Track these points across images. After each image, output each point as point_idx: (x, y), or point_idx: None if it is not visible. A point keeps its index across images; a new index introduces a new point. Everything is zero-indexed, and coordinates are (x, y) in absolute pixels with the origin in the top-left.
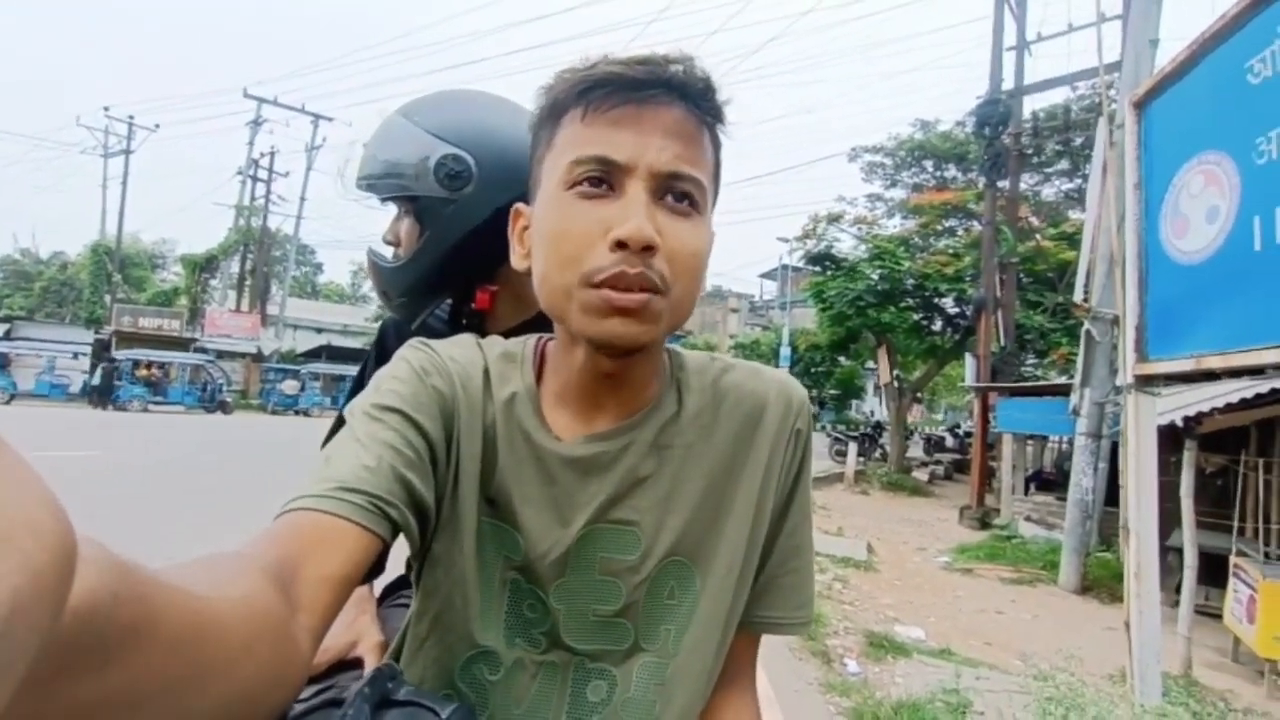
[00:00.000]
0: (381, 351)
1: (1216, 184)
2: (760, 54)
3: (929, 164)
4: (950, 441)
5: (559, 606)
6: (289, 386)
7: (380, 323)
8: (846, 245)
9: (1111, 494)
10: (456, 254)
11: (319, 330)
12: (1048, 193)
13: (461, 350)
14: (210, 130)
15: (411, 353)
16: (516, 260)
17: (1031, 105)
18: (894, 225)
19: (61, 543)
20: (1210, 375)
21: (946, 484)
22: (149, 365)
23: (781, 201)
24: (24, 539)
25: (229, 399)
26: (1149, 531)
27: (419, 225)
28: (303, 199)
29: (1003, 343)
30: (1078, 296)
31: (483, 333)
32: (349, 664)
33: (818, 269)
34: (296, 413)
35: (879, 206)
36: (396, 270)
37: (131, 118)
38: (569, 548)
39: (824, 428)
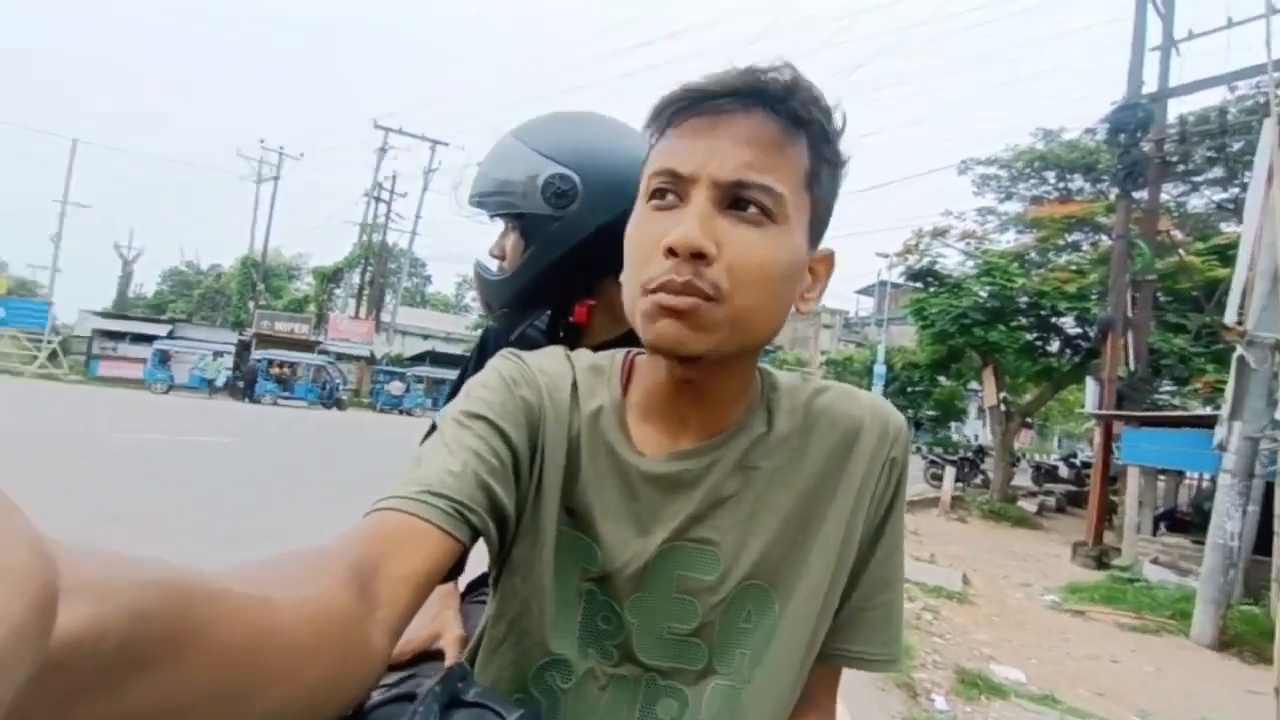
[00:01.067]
0: (481, 358)
1: None
2: (867, 68)
3: (1050, 175)
4: (1064, 471)
5: (633, 620)
6: (395, 387)
7: (481, 331)
8: (952, 261)
9: (1262, 541)
10: (557, 269)
11: (425, 336)
12: (1196, 203)
13: (551, 362)
14: (345, 158)
15: (502, 363)
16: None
17: (1178, 109)
18: (1006, 240)
19: (38, 583)
20: None
21: (1058, 517)
22: (281, 365)
23: (882, 217)
24: (1, 590)
25: (344, 397)
26: None
27: (524, 241)
28: (418, 216)
29: (1132, 367)
30: (1229, 318)
31: (577, 345)
32: (432, 654)
33: (919, 285)
34: (401, 412)
35: (990, 220)
36: (500, 283)
37: (281, 148)
38: (647, 563)
39: (919, 449)
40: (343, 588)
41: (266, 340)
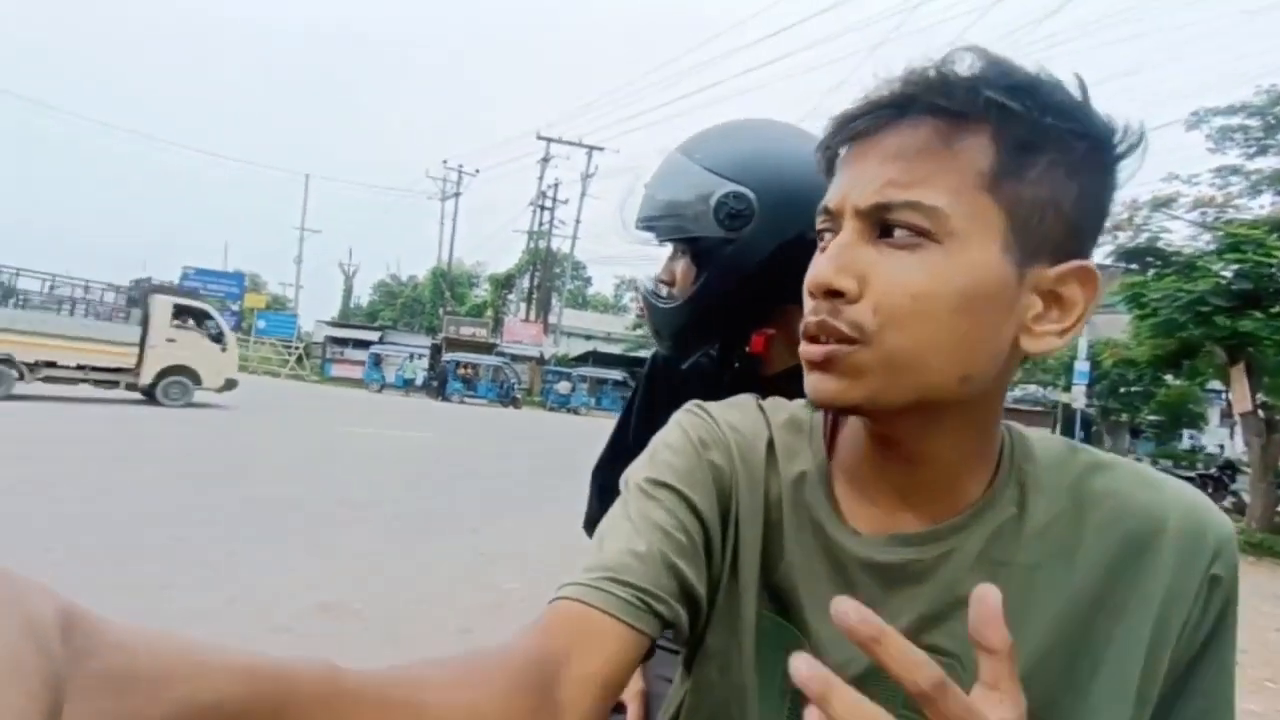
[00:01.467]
0: (649, 388)
1: None
2: (1060, 15)
3: None
4: None
5: None
6: (563, 387)
7: (650, 357)
8: (1180, 236)
9: None
10: (733, 296)
11: (587, 337)
12: None
13: (742, 417)
14: (513, 170)
15: (688, 419)
16: None
17: None
18: (1261, 206)
19: (45, 682)
20: None
21: None
22: (466, 366)
23: None
24: (6, 690)
25: (519, 396)
26: None
27: (696, 266)
28: (578, 222)
29: None
30: None
31: (755, 375)
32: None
33: (1134, 267)
34: (568, 410)
35: (1235, 182)
36: (671, 311)
37: (460, 167)
38: (869, 668)
39: (1138, 459)
40: (516, 695)
41: (453, 344)
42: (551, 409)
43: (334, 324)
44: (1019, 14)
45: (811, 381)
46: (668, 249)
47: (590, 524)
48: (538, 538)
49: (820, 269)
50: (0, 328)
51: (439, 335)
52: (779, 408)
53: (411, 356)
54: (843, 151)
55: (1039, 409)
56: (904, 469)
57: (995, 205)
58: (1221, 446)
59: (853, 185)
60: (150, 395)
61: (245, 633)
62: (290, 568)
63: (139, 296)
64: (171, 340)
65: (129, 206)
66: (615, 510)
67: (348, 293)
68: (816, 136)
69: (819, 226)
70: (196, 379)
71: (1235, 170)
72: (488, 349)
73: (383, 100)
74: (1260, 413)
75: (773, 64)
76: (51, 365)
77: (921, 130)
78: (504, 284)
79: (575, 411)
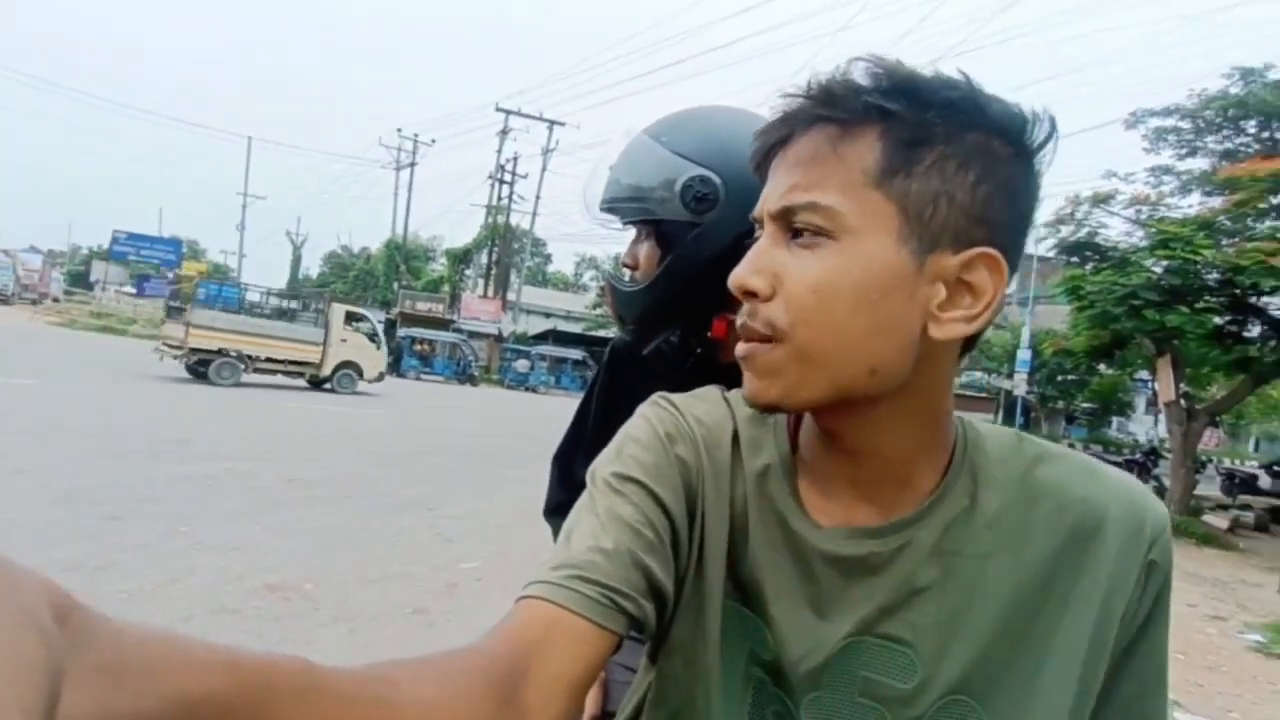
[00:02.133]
0: (610, 373)
1: None
2: (1011, 10)
3: (1250, 125)
4: (1265, 481)
5: None
6: (521, 365)
7: (611, 343)
8: (1116, 231)
9: None
10: (697, 279)
11: (547, 315)
12: None
13: (708, 409)
14: (472, 141)
15: (654, 411)
16: None
17: None
18: (1189, 205)
19: (41, 671)
20: None
21: (1258, 536)
22: (422, 342)
23: None
24: (7, 683)
25: (476, 373)
26: None
27: (660, 249)
28: (538, 197)
29: None
30: None
31: (716, 360)
32: None
33: (1074, 260)
34: (526, 389)
35: (1168, 181)
36: (634, 294)
37: (415, 136)
38: (827, 658)
39: (1073, 446)
40: (484, 696)
41: (409, 319)
42: (510, 387)
43: (281, 295)
44: (974, 6)
45: (745, 380)
46: (631, 231)
47: (550, 511)
48: (496, 518)
49: (737, 271)
50: (232, 329)
51: (393, 310)
52: (743, 399)
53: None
54: (761, 170)
55: (983, 395)
56: (851, 462)
57: (886, 200)
58: (1149, 434)
59: (769, 193)
60: (317, 385)
61: (185, 614)
62: (236, 546)
63: (322, 304)
64: (344, 340)
65: (53, 166)
66: (582, 504)
67: (296, 263)
68: None
69: (750, 235)
70: (360, 372)
71: (1168, 170)
72: (444, 325)
73: (335, 64)
74: (1182, 402)
75: (736, 44)
76: (266, 360)
77: (816, 138)
78: (461, 259)
79: (534, 390)
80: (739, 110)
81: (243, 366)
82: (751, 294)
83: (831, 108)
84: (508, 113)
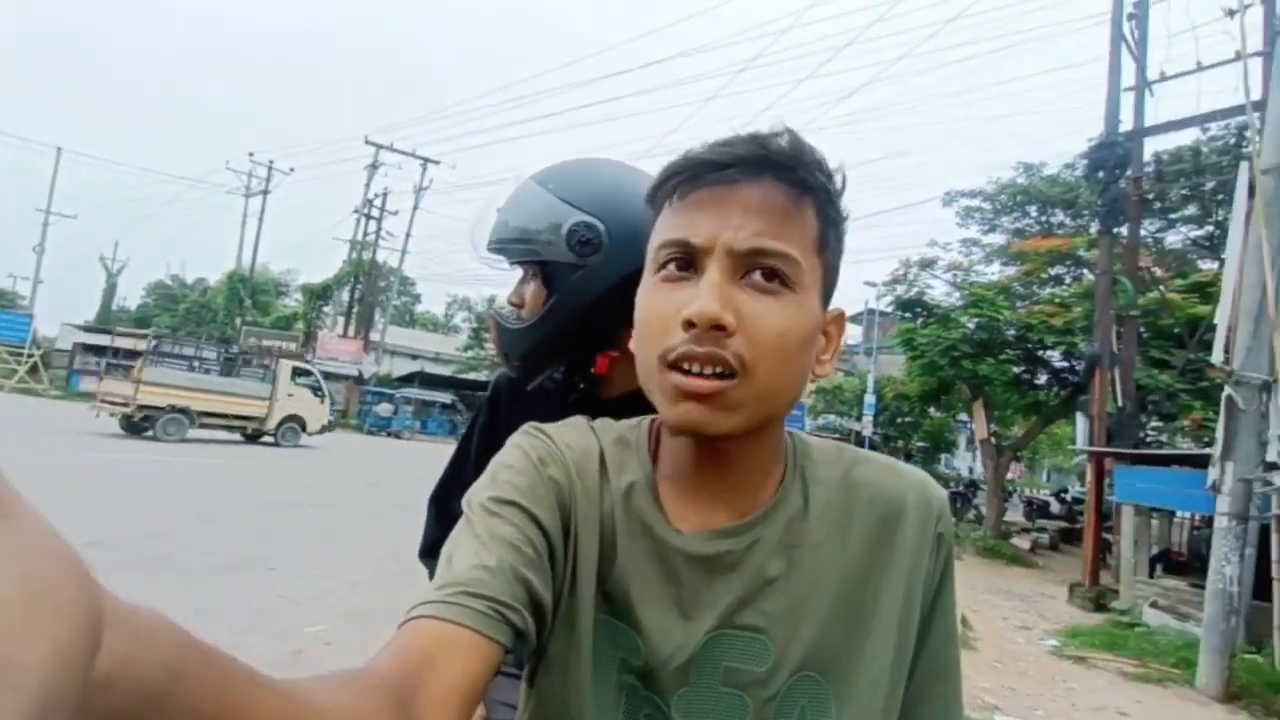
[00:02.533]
0: (493, 410)
1: None
2: (853, 99)
3: (1033, 209)
4: (1056, 507)
5: (680, 719)
6: (384, 409)
7: (493, 381)
8: (939, 292)
9: (1260, 585)
10: (581, 319)
11: (414, 357)
12: (1173, 240)
13: (577, 436)
14: (335, 174)
15: (526, 440)
16: (632, 344)
17: (1154, 147)
18: (992, 272)
19: (86, 615)
20: None
21: (1052, 555)
22: None
23: (870, 245)
24: (52, 618)
25: (332, 419)
26: None
27: (546, 289)
28: (408, 235)
29: (1120, 403)
30: (1216, 358)
31: (596, 397)
32: None
33: (908, 315)
34: (389, 434)
35: (975, 252)
36: (520, 332)
37: (271, 162)
38: (692, 654)
39: None
40: (379, 707)
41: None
42: (370, 432)
43: (88, 328)
44: (824, 90)
45: (686, 411)
46: (516, 273)
47: (425, 552)
48: (349, 575)
49: (706, 304)
50: (183, 386)
51: (233, 347)
52: (607, 427)
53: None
54: (691, 191)
55: (837, 435)
56: (722, 474)
57: (819, 265)
58: (971, 469)
59: (723, 227)
60: (255, 438)
61: None
62: None
63: (268, 360)
64: (290, 395)
65: None
66: (460, 531)
67: (110, 292)
68: (654, 176)
69: (669, 256)
70: (304, 425)
71: (975, 242)
72: None
73: (174, 73)
74: (993, 440)
75: (608, 103)
76: (211, 415)
77: (778, 192)
78: (319, 295)
79: (397, 436)
80: (620, 163)
81: (188, 422)
82: (719, 328)
83: (799, 170)
84: (378, 146)
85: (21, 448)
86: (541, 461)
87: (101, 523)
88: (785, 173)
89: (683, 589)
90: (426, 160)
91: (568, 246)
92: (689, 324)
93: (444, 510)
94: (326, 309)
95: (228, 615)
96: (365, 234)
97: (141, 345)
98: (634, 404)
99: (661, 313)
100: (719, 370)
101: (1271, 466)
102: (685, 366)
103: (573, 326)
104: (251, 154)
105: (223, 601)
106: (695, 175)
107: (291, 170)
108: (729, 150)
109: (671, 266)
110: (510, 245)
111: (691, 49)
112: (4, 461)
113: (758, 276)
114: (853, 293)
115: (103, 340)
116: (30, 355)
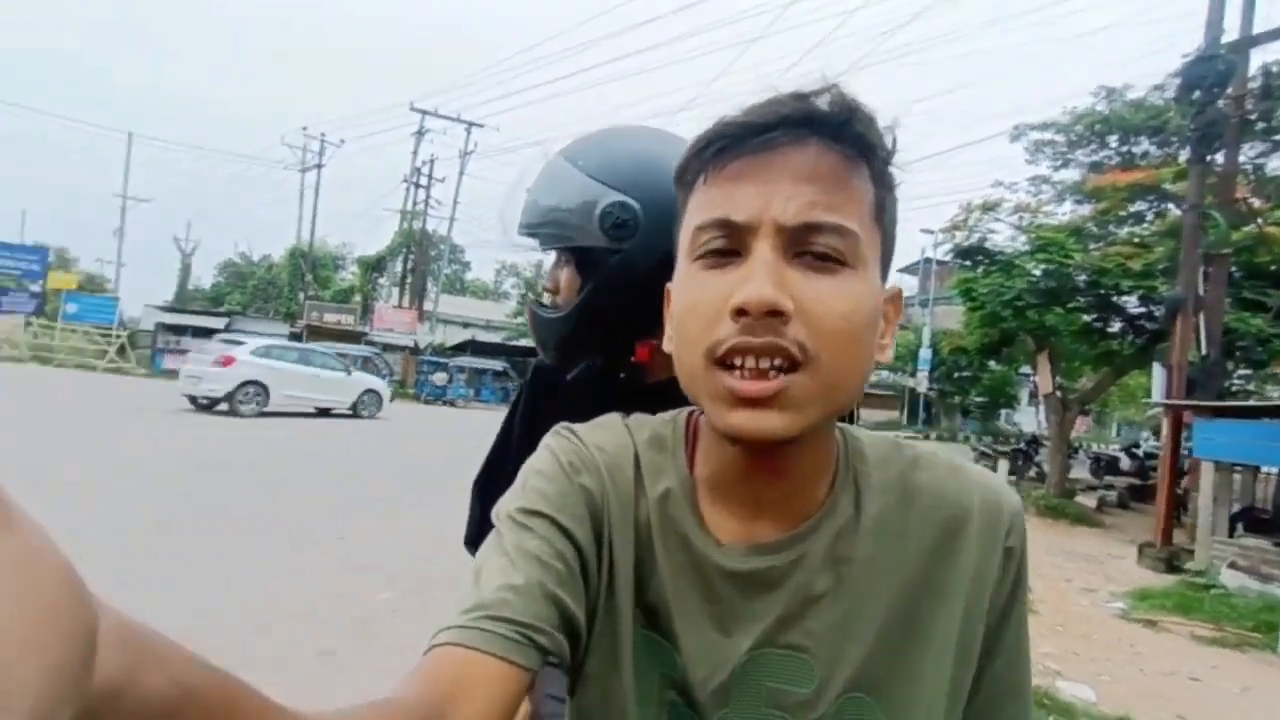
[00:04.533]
0: (532, 396)
1: None
2: (911, 27)
3: (1113, 139)
4: (1126, 463)
5: None
6: (439, 378)
7: (533, 366)
8: (1003, 237)
9: None
10: (618, 308)
11: (465, 325)
12: (1275, 165)
13: (609, 437)
14: (385, 143)
15: (557, 442)
16: (666, 344)
17: (1262, 59)
18: (1063, 213)
19: (79, 628)
20: None
21: (1121, 514)
22: None
23: (930, 190)
24: (48, 635)
25: (391, 388)
26: None
27: (580, 275)
28: (456, 202)
29: (1204, 351)
30: None
31: (638, 384)
32: None
33: (968, 264)
34: (444, 403)
35: (1045, 191)
36: (555, 321)
37: (323, 135)
38: (732, 674)
39: (967, 439)
40: None
41: (316, 332)
42: (427, 401)
43: (168, 309)
44: (877, 22)
45: (741, 420)
46: (551, 253)
47: (470, 541)
48: (411, 546)
49: (760, 288)
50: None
51: (299, 323)
52: (642, 425)
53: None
54: (729, 163)
55: (890, 393)
56: (769, 480)
57: (877, 235)
58: (1039, 424)
59: (769, 200)
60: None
61: None
62: (121, 582)
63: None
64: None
65: None
66: (490, 544)
67: (185, 273)
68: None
69: (704, 240)
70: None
71: (1045, 180)
72: (356, 338)
73: (229, 54)
74: (1058, 394)
75: (650, 51)
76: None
77: (829, 156)
78: (374, 267)
79: (452, 404)
80: (656, 131)
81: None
82: (776, 313)
83: (845, 130)
84: (423, 113)
85: (125, 423)
86: (573, 468)
87: (173, 498)
88: (835, 133)
89: (721, 605)
90: (471, 124)
91: (601, 230)
92: (740, 312)
93: (487, 497)
94: (382, 280)
95: (298, 585)
96: (415, 203)
97: (217, 324)
98: (680, 390)
99: (706, 303)
100: (778, 364)
101: None
102: (738, 362)
103: (610, 316)
104: (305, 128)
105: (300, 569)
106: (731, 143)
107: (343, 142)
108: (769, 110)
109: (712, 250)
110: (541, 229)
111: None
112: (104, 437)
113: (813, 254)
114: (908, 241)
115: (181, 320)
116: (118, 336)
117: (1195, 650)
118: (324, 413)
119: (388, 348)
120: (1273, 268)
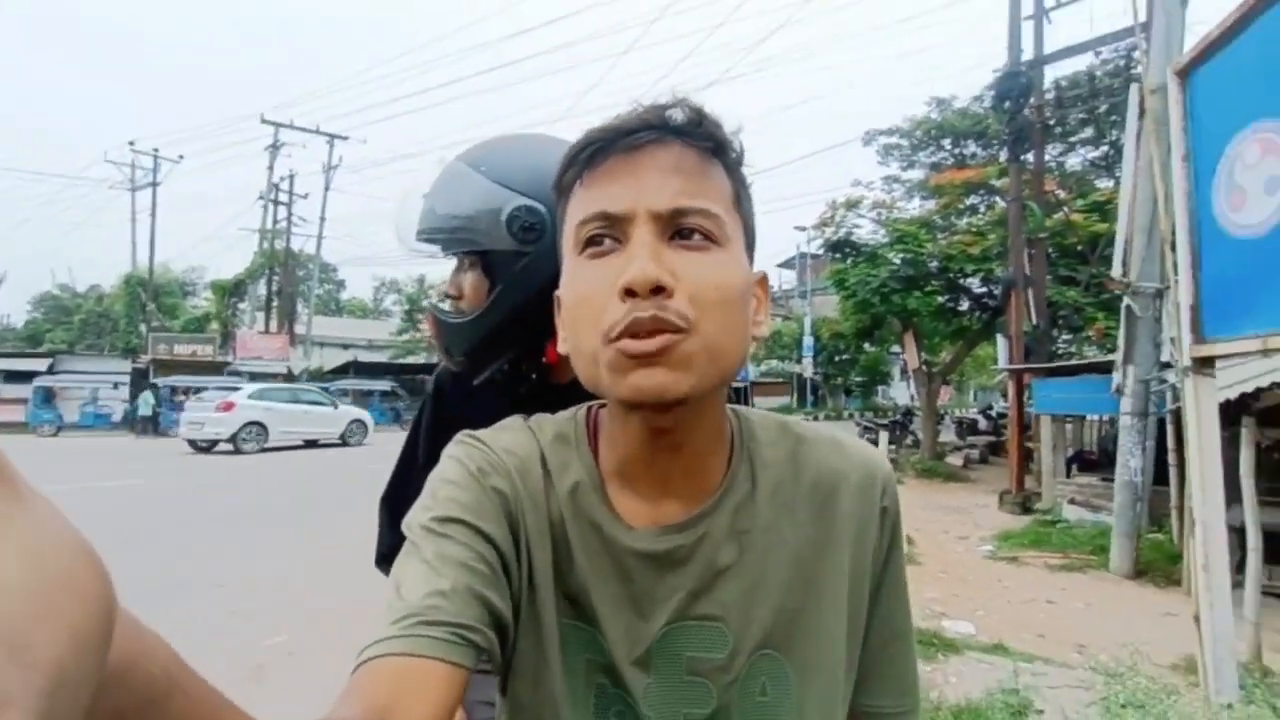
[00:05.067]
0: (437, 404)
1: (1275, 153)
2: (767, 44)
3: (947, 143)
4: (983, 424)
5: (649, 713)
6: None
7: (435, 374)
8: (866, 231)
9: (1159, 473)
10: (529, 308)
11: (345, 346)
12: (1073, 162)
13: (515, 439)
14: (231, 157)
15: (463, 450)
16: (561, 347)
17: (1053, 75)
18: (913, 208)
19: (101, 601)
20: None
21: (982, 468)
22: (186, 391)
23: (796, 190)
24: (66, 601)
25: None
26: (1216, 521)
27: (488, 279)
28: (322, 219)
29: (1035, 321)
30: (1115, 271)
31: (546, 384)
32: None
33: (838, 256)
34: None
35: (896, 189)
36: (463, 325)
37: (156, 150)
38: (650, 648)
39: (851, 415)
40: None
41: (166, 366)
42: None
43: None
44: (739, 37)
45: (638, 379)
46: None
47: (382, 558)
48: (298, 580)
49: (643, 268)
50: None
51: (142, 357)
52: (544, 424)
53: (115, 385)
54: (602, 163)
55: (780, 380)
56: (670, 458)
57: (739, 220)
58: (911, 397)
59: (641, 191)
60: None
61: None
62: None
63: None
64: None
65: None
66: (406, 556)
67: None
68: None
69: (591, 232)
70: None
71: (896, 179)
72: (217, 369)
73: (36, 59)
74: (924, 368)
75: (519, 64)
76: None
77: (690, 153)
78: (232, 291)
79: None
80: (551, 138)
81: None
82: (660, 290)
83: (705, 133)
84: (276, 125)
85: None
86: (482, 472)
87: None
88: (691, 133)
89: (636, 585)
90: (333, 136)
91: (509, 234)
92: (628, 292)
93: (396, 513)
94: (242, 306)
95: (177, 639)
96: (275, 221)
97: (37, 365)
98: (586, 391)
99: (595, 290)
100: (665, 335)
101: (1165, 366)
102: (635, 335)
103: (521, 317)
104: (132, 143)
105: (172, 625)
106: (603, 147)
107: (181, 158)
108: (634, 117)
109: (594, 239)
110: (441, 235)
111: (597, 1)
112: None
113: (684, 235)
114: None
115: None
116: None
117: (1049, 578)
118: (311, 444)
119: (256, 376)
120: (1079, 248)
